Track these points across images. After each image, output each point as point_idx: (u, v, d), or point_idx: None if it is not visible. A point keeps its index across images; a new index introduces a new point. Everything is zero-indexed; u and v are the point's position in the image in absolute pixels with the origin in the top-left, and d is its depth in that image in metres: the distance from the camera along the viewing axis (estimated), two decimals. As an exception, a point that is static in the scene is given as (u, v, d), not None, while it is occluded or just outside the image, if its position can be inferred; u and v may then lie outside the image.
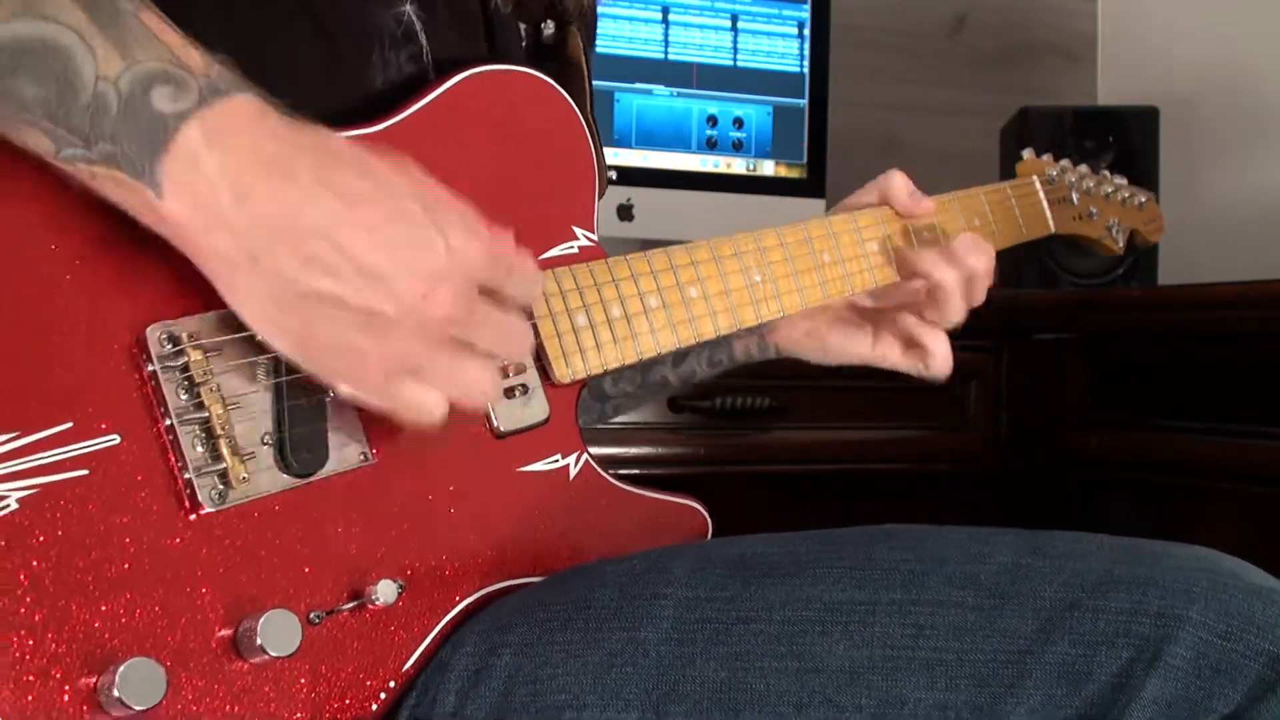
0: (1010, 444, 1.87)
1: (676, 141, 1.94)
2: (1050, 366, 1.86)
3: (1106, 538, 0.78)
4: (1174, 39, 2.36)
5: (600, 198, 0.92)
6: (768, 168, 1.99)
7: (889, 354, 1.05)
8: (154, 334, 0.69)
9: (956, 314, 1.01)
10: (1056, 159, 1.23)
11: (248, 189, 0.63)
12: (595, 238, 0.90)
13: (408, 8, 0.84)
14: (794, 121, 2.00)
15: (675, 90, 1.94)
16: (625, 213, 1.90)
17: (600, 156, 0.92)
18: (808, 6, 2.01)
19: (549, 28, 0.97)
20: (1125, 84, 2.47)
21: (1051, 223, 1.20)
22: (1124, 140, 2.02)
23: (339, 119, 0.79)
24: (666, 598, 0.77)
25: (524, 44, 0.96)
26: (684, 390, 1.17)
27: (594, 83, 1.07)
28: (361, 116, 0.80)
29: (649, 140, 1.93)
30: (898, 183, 1.06)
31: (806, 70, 2.00)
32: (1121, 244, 1.28)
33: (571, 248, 0.88)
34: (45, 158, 0.63)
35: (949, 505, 1.80)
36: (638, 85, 1.91)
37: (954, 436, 1.87)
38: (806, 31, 2.00)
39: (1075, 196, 1.22)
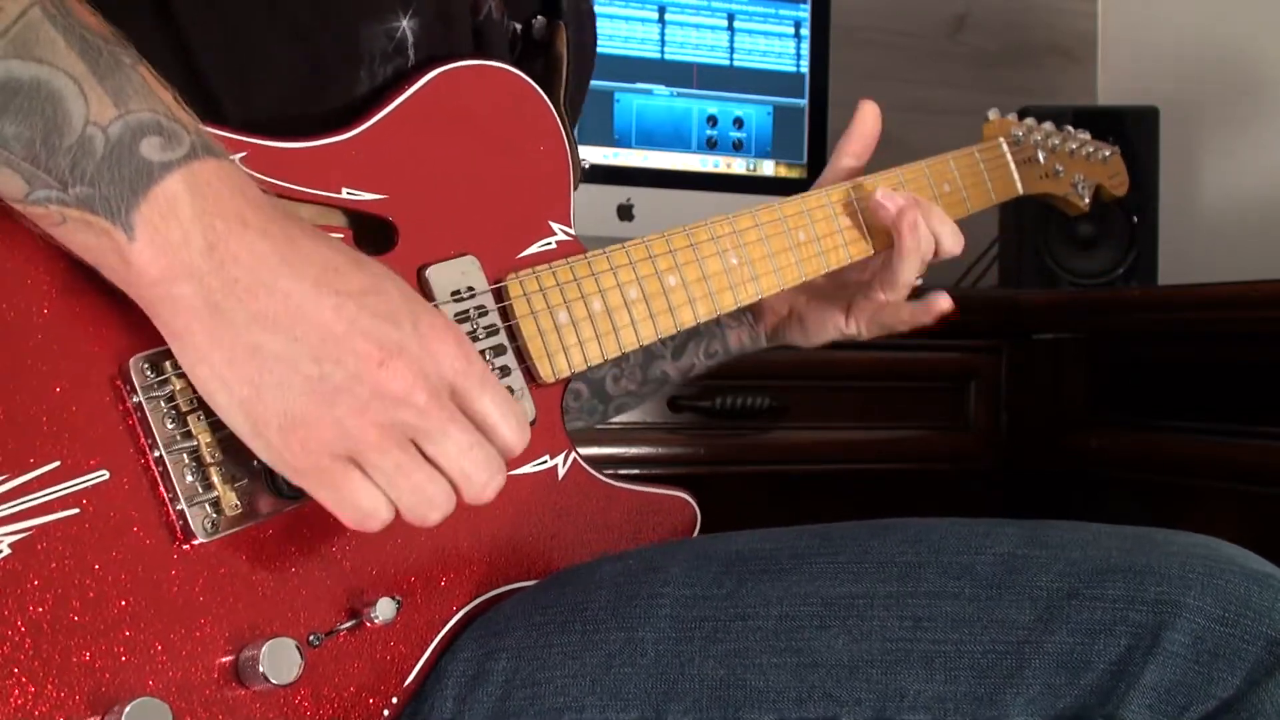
0: (1010, 444, 1.87)
1: (676, 141, 1.94)
2: (1050, 366, 1.86)
3: (1104, 527, 0.78)
4: (1174, 39, 2.36)
5: (574, 190, 0.91)
6: (768, 168, 1.99)
7: (862, 323, 1.07)
8: (137, 364, 0.67)
9: (912, 275, 1.02)
10: (1022, 118, 1.23)
11: (220, 238, 0.62)
12: (573, 232, 0.89)
13: (403, 23, 0.83)
14: (794, 121, 2.00)
15: (675, 90, 1.94)
16: (625, 213, 1.89)
17: (574, 149, 0.91)
18: (806, 6, 2.01)
19: (539, 22, 0.96)
20: (1125, 84, 2.47)
21: (1019, 184, 1.20)
22: (1124, 140, 2.00)
23: (320, 129, 0.78)
24: (663, 597, 0.77)
25: (510, 40, 0.95)
26: (684, 383, 1.18)
27: (592, 82, 1.06)
28: (340, 124, 0.80)
29: (649, 140, 1.93)
30: (867, 112, 1.09)
31: (805, 70, 2.00)
32: (1087, 200, 1.29)
33: (549, 243, 0.87)
34: (12, 199, 0.62)
35: (949, 505, 1.79)
36: (638, 85, 1.91)
37: (954, 436, 1.87)
38: (804, 31, 2.01)
39: (1041, 155, 1.22)
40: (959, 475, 1.87)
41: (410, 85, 0.82)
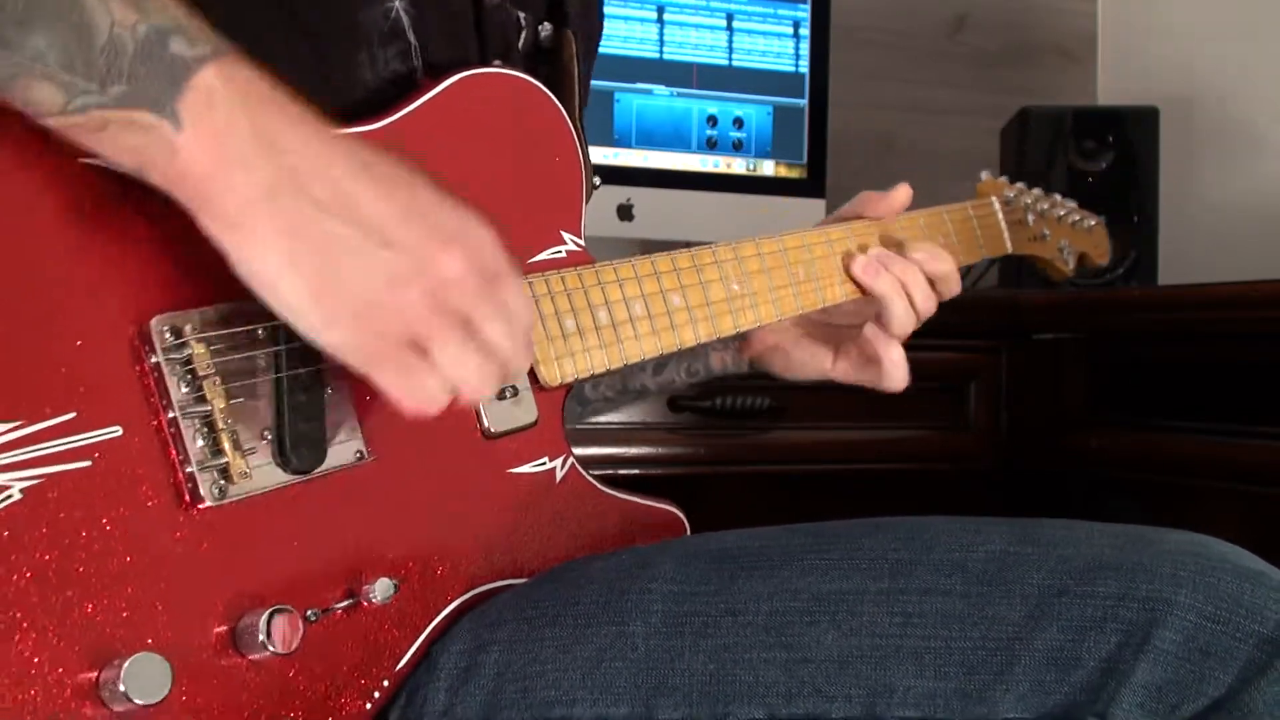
0: (1010, 444, 1.87)
1: (676, 141, 1.94)
2: (1050, 366, 1.86)
3: (1096, 525, 0.78)
4: (1174, 39, 2.36)
5: (586, 203, 0.92)
6: (768, 168, 1.99)
7: (847, 370, 1.07)
8: (158, 326, 0.68)
9: (901, 324, 1.02)
10: (1012, 182, 1.27)
11: (268, 129, 0.63)
12: (582, 243, 0.91)
13: (396, 4, 0.84)
14: (794, 122, 2.00)
15: (675, 90, 1.94)
16: (625, 213, 1.89)
17: (587, 162, 0.92)
18: (805, 6, 2.00)
19: (546, 29, 0.97)
20: (1125, 84, 2.47)
21: (1009, 243, 1.24)
22: (1124, 140, 2.02)
23: (329, 117, 0.79)
24: (654, 592, 0.77)
25: (520, 38, 0.95)
26: (662, 396, 1.19)
27: (592, 82, 1.07)
28: (352, 115, 0.80)
29: (649, 140, 1.93)
30: (870, 195, 1.09)
31: (805, 70, 2.00)
32: (1072, 266, 1.33)
33: (559, 252, 0.89)
34: (50, 115, 0.61)
35: (948, 505, 1.79)
36: (638, 85, 1.91)
37: (954, 436, 1.87)
38: (803, 31, 2.00)
39: (1030, 218, 1.27)
40: (959, 475, 1.87)
41: (430, 88, 0.83)
